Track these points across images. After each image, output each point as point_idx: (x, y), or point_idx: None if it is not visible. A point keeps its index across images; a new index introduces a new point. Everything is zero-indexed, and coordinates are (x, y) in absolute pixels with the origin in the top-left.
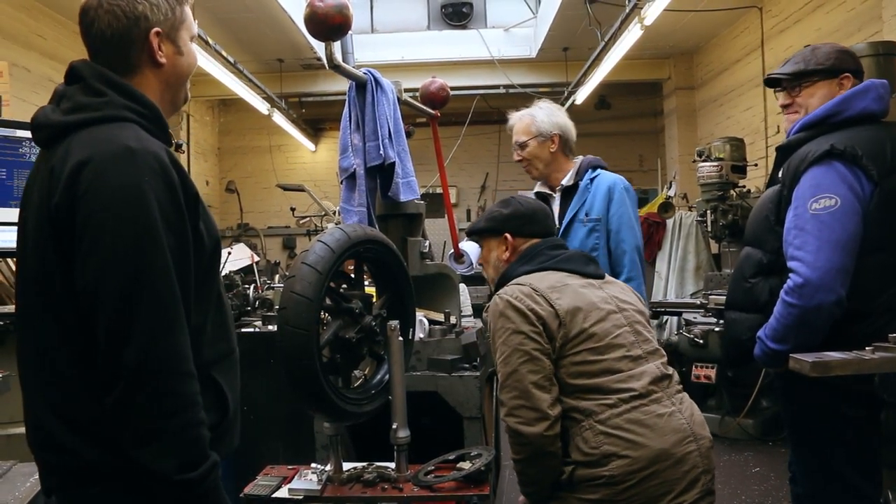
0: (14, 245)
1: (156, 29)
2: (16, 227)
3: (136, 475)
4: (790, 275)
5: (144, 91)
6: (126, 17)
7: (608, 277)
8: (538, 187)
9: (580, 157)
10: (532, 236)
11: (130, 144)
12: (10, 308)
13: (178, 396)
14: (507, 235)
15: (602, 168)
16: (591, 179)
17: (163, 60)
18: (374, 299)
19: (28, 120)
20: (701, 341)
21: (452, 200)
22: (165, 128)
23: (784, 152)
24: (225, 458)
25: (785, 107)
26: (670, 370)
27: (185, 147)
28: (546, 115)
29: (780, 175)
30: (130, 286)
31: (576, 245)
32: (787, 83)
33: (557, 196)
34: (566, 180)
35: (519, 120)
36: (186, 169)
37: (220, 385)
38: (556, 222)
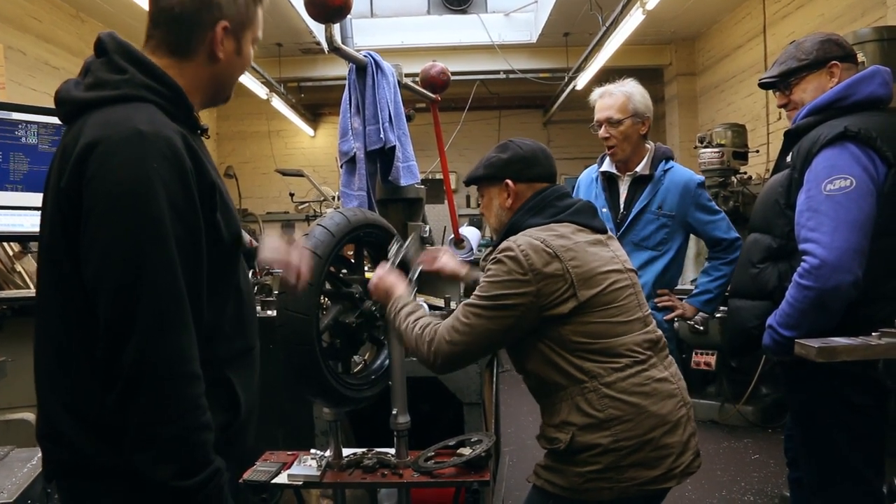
0: (10, 229)
1: (225, 23)
2: (12, 211)
3: (137, 475)
4: (804, 257)
5: (192, 79)
6: (200, 1)
7: (609, 233)
8: (607, 166)
9: (651, 143)
10: (534, 180)
11: (141, 127)
12: (8, 293)
13: (179, 400)
14: (508, 181)
15: (672, 159)
16: (665, 171)
17: (221, 55)
18: None
19: (23, 103)
20: (701, 328)
21: (452, 186)
22: (189, 110)
23: (792, 137)
24: (237, 460)
25: (783, 106)
26: (658, 332)
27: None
28: (641, 96)
29: (788, 159)
30: (130, 281)
31: (644, 235)
32: (778, 84)
33: (627, 181)
34: (641, 168)
35: (611, 96)
36: None
37: (233, 385)
38: (622, 207)
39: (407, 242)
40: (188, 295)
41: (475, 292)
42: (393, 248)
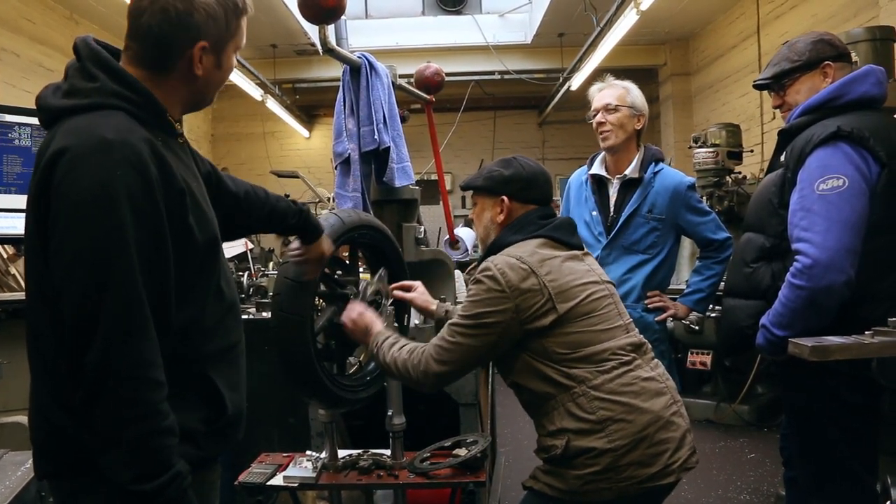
0: (5, 232)
1: (203, 43)
2: (6, 214)
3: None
4: (797, 257)
5: (169, 92)
6: (178, 23)
7: (586, 249)
8: (596, 168)
9: (641, 146)
10: (529, 202)
11: (108, 136)
12: (3, 296)
13: (139, 405)
14: (505, 198)
15: (662, 161)
16: (655, 174)
17: (199, 73)
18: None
19: (17, 105)
20: (696, 328)
21: (447, 187)
22: (161, 114)
23: (786, 136)
24: (223, 454)
25: (777, 107)
26: (641, 337)
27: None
28: (639, 93)
29: (782, 159)
30: (93, 289)
31: (635, 239)
32: (772, 86)
33: (616, 184)
34: (630, 170)
35: (610, 86)
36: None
37: (214, 383)
38: (612, 211)
39: (374, 278)
40: (155, 298)
41: (459, 312)
42: (361, 285)
